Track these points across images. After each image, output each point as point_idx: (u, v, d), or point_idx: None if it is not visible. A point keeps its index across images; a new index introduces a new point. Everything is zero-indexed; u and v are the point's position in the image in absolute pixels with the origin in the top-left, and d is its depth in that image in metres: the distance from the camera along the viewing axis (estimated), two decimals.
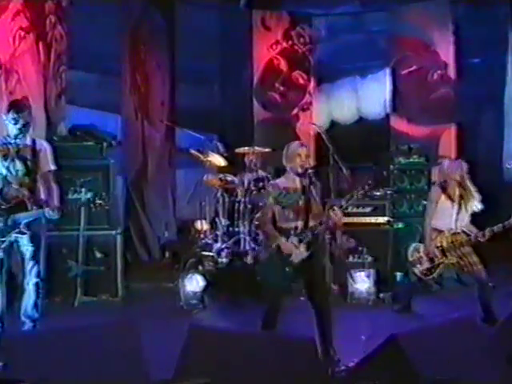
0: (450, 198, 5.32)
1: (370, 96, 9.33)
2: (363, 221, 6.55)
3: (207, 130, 8.15)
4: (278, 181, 4.32)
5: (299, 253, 4.19)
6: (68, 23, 6.92)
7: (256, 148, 6.95)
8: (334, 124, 9.44)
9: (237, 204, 6.55)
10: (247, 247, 6.34)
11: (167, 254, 7.61)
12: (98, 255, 6.10)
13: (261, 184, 6.61)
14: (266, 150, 7.06)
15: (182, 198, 8.06)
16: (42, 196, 4.69)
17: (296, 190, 4.19)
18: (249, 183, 6.68)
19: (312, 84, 9.40)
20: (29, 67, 6.56)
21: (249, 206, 6.49)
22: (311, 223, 4.19)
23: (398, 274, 6.29)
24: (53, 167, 4.76)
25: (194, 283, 6.00)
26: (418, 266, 5.44)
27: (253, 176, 6.74)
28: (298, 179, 4.21)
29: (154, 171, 8.15)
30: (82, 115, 7.23)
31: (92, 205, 4.79)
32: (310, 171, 4.18)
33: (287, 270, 4.15)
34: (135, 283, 6.64)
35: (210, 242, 6.73)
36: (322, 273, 4.31)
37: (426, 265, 5.42)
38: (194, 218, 7.09)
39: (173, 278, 6.28)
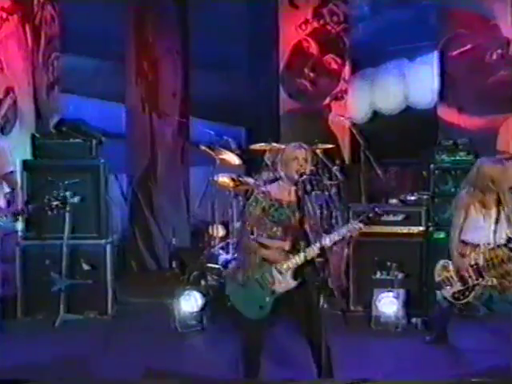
0: (485, 204, 4.85)
1: (418, 81, 8.93)
2: (393, 230, 6.10)
3: (227, 123, 8.47)
4: (270, 188, 4.05)
5: (284, 282, 3.90)
6: (60, 3, 6.84)
7: (274, 144, 6.66)
8: (376, 114, 9.14)
9: None
10: None
11: (174, 264, 7.39)
12: (85, 267, 5.99)
13: None
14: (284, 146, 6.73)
15: (196, 200, 7.81)
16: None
17: (290, 204, 3.93)
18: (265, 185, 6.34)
19: (347, 69, 8.97)
20: (14, 54, 6.49)
21: None
22: (303, 245, 3.91)
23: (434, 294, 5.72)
24: (12, 168, 4.51)
25: (192, 301, 5.73)
26: (448, 287, 4.99)
27: (270, 176, 6.37)
28: (293, 190, 3.96)
29: (164, 169, 8.04)
30: (80, 106, 7.39)
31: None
32: (304, 177, 3.89)
33: (267, 299, 3.88)
34: (133, 298, 6.53)
35: (217, 252, 6.56)
36: (312, 299, 3.97)
37: (458, 287, 4.96)
38: (210, 222, 6.96)
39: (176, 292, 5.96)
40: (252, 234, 3.96)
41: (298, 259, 3.88)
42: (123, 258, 7.44)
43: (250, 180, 6.62)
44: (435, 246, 5.99)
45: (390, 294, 5.71)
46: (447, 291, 5.01)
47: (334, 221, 6.63)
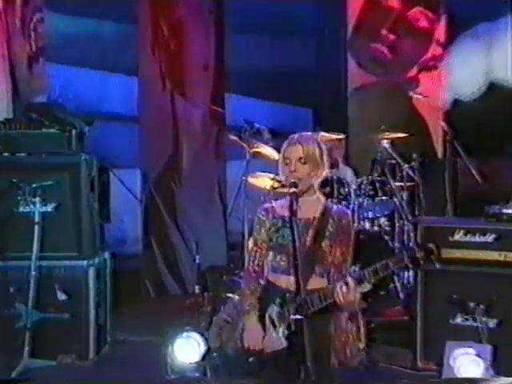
0: None
1: None
2: (480, 256, 5.37)
3: (276, 102, 8.55)
4: (275, 203, 3.87)
5: (274, 339, 3.65)
6: None
7: (323, 134, 6.53)
8: (492, 88, 8.46)
9: None
10: None
11: (197, 289, 7.08)
12: (61, 297, 5.67)
13: (345, 190, 6.49)
14: (341, 136, 7.00)
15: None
16: None
17: (298, 223, 3.65)
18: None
19: (443, 27, 8.51)
20: None
21: None
22: (310, 284, 3.66)
23: None
24: None
25: (192, 347, 5.22)
26: None
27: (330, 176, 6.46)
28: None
29: (191, 164, 7.88)
30: (75, 82, 7.35)
31: None
32: (294, 190, 3.59)
33: (250, 360, 3.72)
34: (132, 335, 6.22)
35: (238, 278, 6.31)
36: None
37: None
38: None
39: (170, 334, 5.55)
40: (259, 267, 3.85)
41: (301, 306, 3.56)
42: (133, 279, 7.41)
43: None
44: None
45: (471, 350, 5.03)
46: None
47: (405, 237, 6.48)
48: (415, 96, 7.50)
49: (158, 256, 7.68)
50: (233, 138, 6.77)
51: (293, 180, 3.63)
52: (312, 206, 3.72)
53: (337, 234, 3.70)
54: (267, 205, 3.88)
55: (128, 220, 8.01)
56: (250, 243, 4.18)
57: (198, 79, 7.85)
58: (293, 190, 3.59)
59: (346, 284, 3.49)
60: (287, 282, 3.68)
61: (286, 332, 3.62)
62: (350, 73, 8.73)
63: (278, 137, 6.50)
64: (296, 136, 3.79)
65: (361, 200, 6.48)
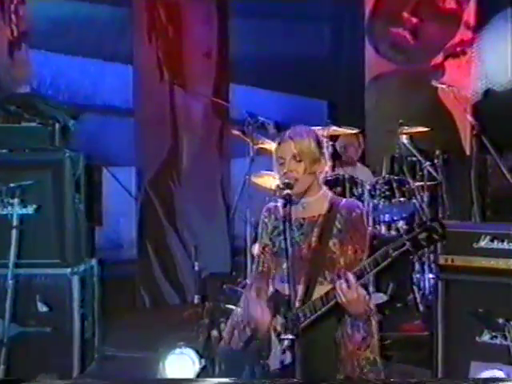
0: None
1: None
2: (508, 265, 5.11)
3: (290, 93, 8.62)
4: (280, 202, 3.70)
5: (279, 354, 3.53)
6: None
7: (334, 128, 6.58)
8: None
9: None
10: None
11: (196, 299, 6.90)
12: (42, 308, 5.56)
13: (358, 190, 6.40)
14: (355, 130, 6.96)
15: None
16: None
17: (303, 223, 3.69)
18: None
19: (473, 8, 8.48)
20: None
21: None
22: (318, 291, 3.60)
23: None
24: None
25: (184, 365, 5.18)
26: None
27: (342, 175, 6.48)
28: (306, 200, 3.76)
29: (192, 162, 7.89)
30: (63, 71, 7.40)
31: None
32: (287, 192, 3.51)
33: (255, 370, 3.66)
34: (124, 350, 6.12)
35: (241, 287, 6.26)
36: None
37: None
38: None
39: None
40: (263, 274, 3.83)
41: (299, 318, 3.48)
42: (129, 287, 7.48)
43: None
44: None
45: (500, 372, 4.87)
46: None
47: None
48: (440, 86, 7.33)
49: (154, 262, 7.66)
50: (235, 132, 6.77)
51: (287, 181, 3.55)
52: (316, 203, 3.65)
53: (346, 231, 3.61)
54: (271, 204, 3.82)
55: (125, 222, 8.04)
56: (256, 248, 4.13)
57: (199, 68, 7.85)
58: (286, 191, 3.50)
59: (346, 281, 3.40)
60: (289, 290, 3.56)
61: (281, 348, 3.49)
62: (368, 61, 8.72)
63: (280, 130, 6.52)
64: (288, 132, 3.71)
65: (376, 201, 6.36)
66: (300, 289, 3.55)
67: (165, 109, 7.69)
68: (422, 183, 6.72)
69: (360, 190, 6.35)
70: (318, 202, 3.67)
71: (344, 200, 3.73)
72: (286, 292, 3.54)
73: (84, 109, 7.46)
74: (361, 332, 3.64)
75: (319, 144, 3.66)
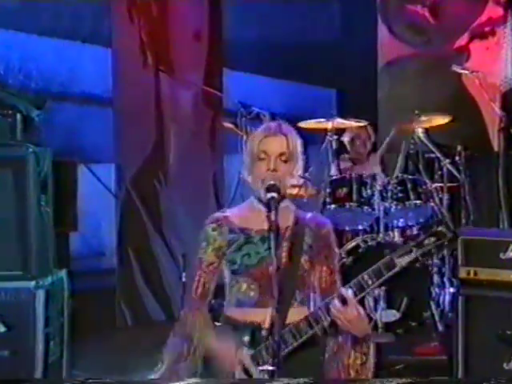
0: None
1: None
2: None
3: (294, 81, 8.92)
4: (231, 211, 3.77)
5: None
6: None
7: (339, 120, 6.58)
8: None
9: None
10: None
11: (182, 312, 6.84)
12: (0, 328, 5.36)
13: (367, 191, 6.30)
14: (364, 123, 6.96)
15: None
16: None
17: (266, 235, 3.53)
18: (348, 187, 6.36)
19: None
20: None
21: None
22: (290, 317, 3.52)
23: None
24: None
25: None
26: None
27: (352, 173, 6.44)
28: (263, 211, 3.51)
29: (180, 158, 7.92)
30: (40, 52, 7.45)
31: None
32: (272, 195, 3.38)
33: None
34: (94, 376, 5.36)
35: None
36: None
37: None
38: None
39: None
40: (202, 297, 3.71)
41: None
42: (108, 302, 7.43)
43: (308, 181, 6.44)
44: None
45: None
46: None
47: (446, 252, 6.31)
48: (464, 72, 7.37)
49: (137, 272, 7.64)
50: (227, 125, 6.88)
51: (272, 182, 3.42)
52: (282, 214, 3.49)
53: (318, 248, 3.60)
54: (219, 215, 3.70)
55: (107, 226, 8.05)
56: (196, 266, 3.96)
57: (187, 52, 7.89)
58: (271, 195, 3.36)
59: (342, 298, 3.34)
60: (262, 316, 3.48)
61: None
62: (381, 44, 8.66)
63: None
64: (274, 124, 3.62)
65: (388, 204, 6.24)
66: (268, 313, 3.44)
67: (149, 98, 7.70)
68: (441, 184, 6.66)
69: (369, 191, 6.24)
70: (284, 212, 3.55)
71: (310, 213, 3.68)
72: (250, 319, 3.52)
73: (59, 97, 7.59)
74: (357, 356, 3.62)
75: (302, 144, 3.62)
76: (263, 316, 3.48)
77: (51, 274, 5.53)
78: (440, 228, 3.43)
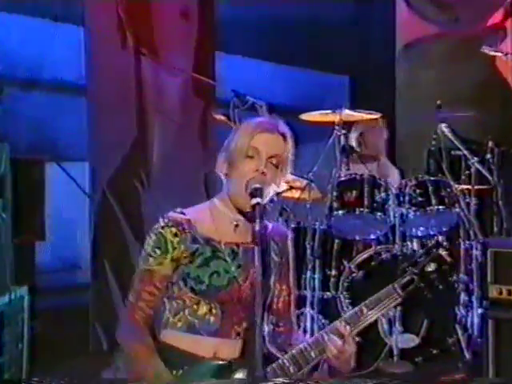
0: None
1: None
2: None
3: (300, 66, 8.81)
4: (189, 214, 3.60)
5: None
6: None
7: (348, 112, 6.67)
8: None
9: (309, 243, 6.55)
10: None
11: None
12: None
13: (381, 195, 6.41)
14: (377, 115, 6.92)
15: None
16: None
17: (238, 247, 3.54)
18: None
19: None
20: None
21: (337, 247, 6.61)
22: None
23: None
24: None
25: None
26: None
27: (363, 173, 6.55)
28: (241, 217, 3.55)
29: (166, 157, 7.77)
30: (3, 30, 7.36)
31: None
32: (258, 201, 3.32)
33: None
34: None
35: None
36: None
37: None
38: None
39: None
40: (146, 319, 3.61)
41: None
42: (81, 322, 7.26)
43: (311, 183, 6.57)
44: None
45: None
46: None
47: (473, 265, 6.37)
48: (497, 54, 7.35)
49: (114, 288, 7.41)
50: (218, 117, 6.88)
51: (258, 185, 3.32)
52: (247, 224, 3.47)
53: (282, 265, 3.59)
54: (178, 216, 3.53)
55: (82, 234, 7.90)
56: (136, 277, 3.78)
57: (174, 33, 7.77)
58: (256, 200, 3.28)
59: (339, 334, 3.31)
60: (218, 347, 3.41)
61: None
62: (400, 21, 8.98)
63: (287, 115, 6.41)
64: (272, 120, 3.53)
65: (405, 210, 6.32)
66: (237, 344, 3.43)
67: (129, 86, 7.56)
68: (468, 186, 6.64)
69: (383, 194, 6.29)
70: (247, 223, 3.49)
71: (271, 224, 3.63)
72: (203, 349, 3.40)
73: (25, 84, 7.45)
74: None
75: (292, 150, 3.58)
76: (223, 347, 3.40)
77: (8, 292, 5.49)
78: (439, 251, 3.42)
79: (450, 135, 6.59)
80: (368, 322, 3.39)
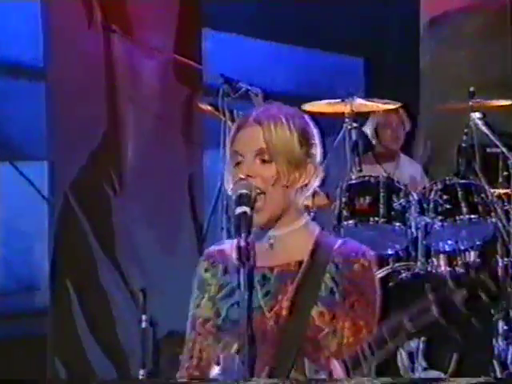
0: None
1: None
2: None
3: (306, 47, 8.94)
4: (227, 244, 3.67)
5: None
6: None
7: (360, 101, 6.78)
8: None
9: None
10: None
11: (141, 374, 7.05)
12: None
13: (400, 201, 6.41)
14: (396, 105, 7.05)
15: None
16: None
17: (269, 276, 3.53)
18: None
19: None
20: None
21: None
22: None
23: None
24: None
25: None
26: None
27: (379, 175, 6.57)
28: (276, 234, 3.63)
29: (142, 155, 7.91)
30: None
31: None
32: (244, 210, 3.32)
33: None
34: None
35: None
36: None
37: None
38: None
39: None
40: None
41: None
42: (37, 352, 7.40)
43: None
44: None
45: None
46: None
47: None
48: None
49: (77, 312, 7.55)
50: (204, 106, 6.95)
51: (243, 191, 3.30)
52: (294, 241, 3.44)
53: (344, 293, 3.40)
54: (213, 248, 3.61)
55: (42, 249, 7.81)
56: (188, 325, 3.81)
57: (151, 5, 7.86)
58: (242, 209, 3.26)
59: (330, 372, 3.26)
60: None
61: None
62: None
63: (289, 105, 6.40)
64: (253, 113, 3.46)
65: (430, 220, 6.29)
66: None
67: (96, 70, 7.70)
68: (506, 190, 6.68)
69: (403, 200, 6.26)
70: (297, 238, 3.45)
71: (340, 240, 3.47)
72: None
73: None
74: None
75: (306, 137, 3.39)
76: None
77: None
78: (480, 276, 3.06)
79: (484, 128, 6.58)
80: (369, 362, 3.21)
